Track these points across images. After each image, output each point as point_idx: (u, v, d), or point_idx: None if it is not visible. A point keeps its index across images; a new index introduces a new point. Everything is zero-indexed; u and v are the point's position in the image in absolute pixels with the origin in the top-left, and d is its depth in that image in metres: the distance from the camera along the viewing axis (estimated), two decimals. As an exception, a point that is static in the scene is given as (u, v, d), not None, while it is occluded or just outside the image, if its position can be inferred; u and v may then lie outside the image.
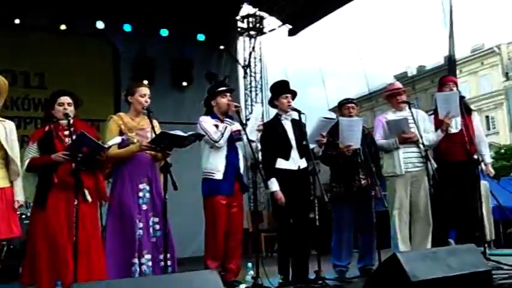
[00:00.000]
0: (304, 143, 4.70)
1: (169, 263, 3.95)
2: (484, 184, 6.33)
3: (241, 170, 4.70)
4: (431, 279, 3.27)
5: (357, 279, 4.90)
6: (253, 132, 4.57)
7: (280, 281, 4.67)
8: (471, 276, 3.48)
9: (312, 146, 4.74)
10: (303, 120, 4.76)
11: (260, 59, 11.53)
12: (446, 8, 9.97)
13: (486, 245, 5.70)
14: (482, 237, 5.52)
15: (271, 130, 4.82)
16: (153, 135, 4.07)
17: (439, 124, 5.23)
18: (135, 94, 4.34)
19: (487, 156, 5.55)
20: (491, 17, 70.29)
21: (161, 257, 4.08)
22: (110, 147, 4.06)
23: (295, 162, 4.76)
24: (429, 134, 5.19)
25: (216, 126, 4.55)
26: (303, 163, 4.79)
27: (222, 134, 4.50)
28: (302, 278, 4.69)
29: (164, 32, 9.85)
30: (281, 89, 4.96)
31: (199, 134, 4.37)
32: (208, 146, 4.57)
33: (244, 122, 5.10)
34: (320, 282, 4.48)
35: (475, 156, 5.30)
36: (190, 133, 4.15)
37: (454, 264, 3.44)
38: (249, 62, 11.48)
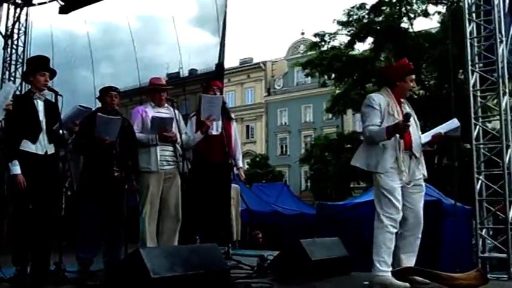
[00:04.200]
0: (54, 127, 4.38)
1: None
2: (235, 187, 6.69)
3: None
4: (172, 276, 3.30)
5: (100, 272, 4.72)
6: None
7: (15, 272, 4.28)
8: (210, 274, 3.61)
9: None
10: (60, 103, 4.41)
11: (25, 32, 10.57)
12: (221, 17, 10.38)
13: (231, 245, 6.03)
14: (229, 237, 5.81)
15: (20, 108, 4.36)
16: None
17: (200, 124, 5.35)
18: None
19: (240, 161, 5.87)
20: (261, 34, 76.31)
21: None
22: None
23: (42, 146, 4.39)
24: (187, 135, 5.28)
25: None
26: (51, 148, 4.44)
27: None
28: (41, 269, 4.34)
29: None
30: (39, 65, 4.55)
31: None
32: None
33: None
34: (60, 274, 4.21)
35: (230, 160, 5.58)
36: None
37: (195, 262, 3.53)
38: (12, 32, 10.44)
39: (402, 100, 4.30)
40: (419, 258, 4.25)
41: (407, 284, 3.95)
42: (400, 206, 4.07)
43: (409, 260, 4.20)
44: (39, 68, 4.50)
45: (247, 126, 41.99)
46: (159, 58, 12.91)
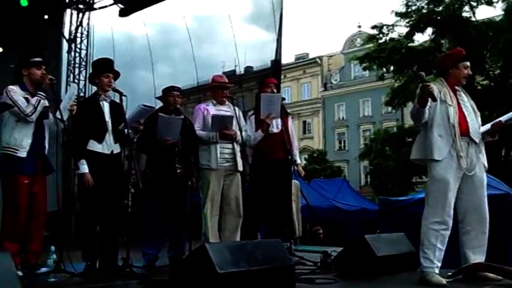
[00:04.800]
0: (120, 127, 4.51)
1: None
2: (295, 183, 6.66)
3: (46, 150, 4.35)
4: (237, 272, 3.31)
5: (165, 268, 4.82)
6: (64, 112, 4.25)
7: (85, 267, 4.44)
8: (275, 269, 3.60)
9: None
10: (124, 104, 4.53)
11: (87, 35, 10.93)
12: (277, 13, 10.37)
13: (293, 241, 6.01)
14: (290, 234, 5.78)
15: (87, 109, 4.52)
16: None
17: (259, 123, 5.34)
18: None
19: (298, 157, 5.83)
20: (316, 29, 75.74)
21: None
22: None
23: (108, 146, 4.54)
24: (247, 133, 5.30)
25: (27, 99, 4.15)
26: (116, 148, 4.59)
27: (35, 108, 4.14)
28: (109, 265, 4.50)
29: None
30: (103, 67, 4.70)
31: (6, 104, 3.94)
32: (14, 120, 4.15)
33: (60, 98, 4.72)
34: (127, 270, 4.35)
35: (289, 157, 5.55)
36: None
37: (260, 258, 3.52)
38: (75, 36, 10.82)
39: (458, 88, 4.18)
40: (487, 255, 4.09)
41: (444, 281, 3.84)
42: (451, 200, 3.94)
43: (477, 256, 4.04)
44: (103, 70, 4.63)
45: (304, 122, 41.77)
46: (215, 57, 13.04)
